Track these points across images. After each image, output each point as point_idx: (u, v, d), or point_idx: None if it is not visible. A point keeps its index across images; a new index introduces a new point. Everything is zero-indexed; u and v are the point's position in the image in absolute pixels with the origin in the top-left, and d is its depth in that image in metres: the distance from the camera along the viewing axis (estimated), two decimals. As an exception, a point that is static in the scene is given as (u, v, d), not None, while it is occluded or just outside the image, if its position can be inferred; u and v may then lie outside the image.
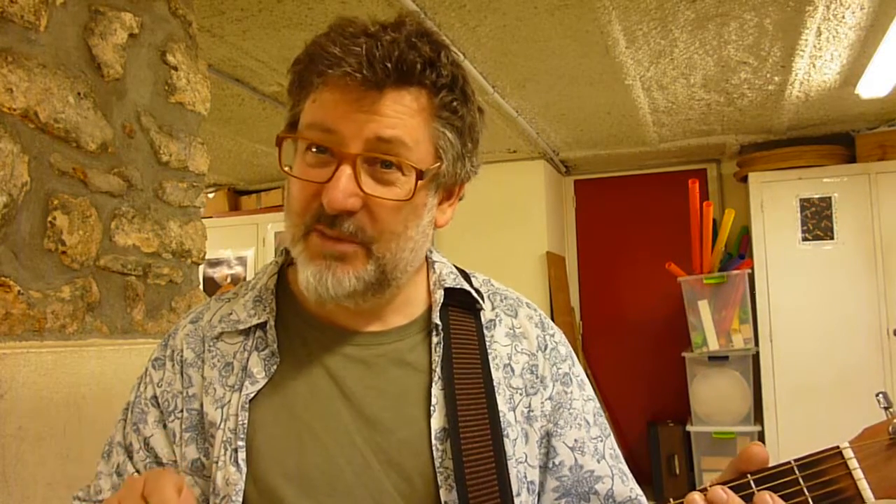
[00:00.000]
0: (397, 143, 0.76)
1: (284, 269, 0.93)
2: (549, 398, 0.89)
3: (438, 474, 0.80)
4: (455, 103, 0.80)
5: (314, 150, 0.78)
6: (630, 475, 0.91)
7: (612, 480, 0.88)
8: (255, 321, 0.86)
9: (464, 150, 0.83)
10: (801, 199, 4.14)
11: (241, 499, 0.79)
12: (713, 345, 4.10)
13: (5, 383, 1.37)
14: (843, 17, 2.61)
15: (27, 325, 1.47)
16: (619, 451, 0.93)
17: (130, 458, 0.87)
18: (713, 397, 4.17)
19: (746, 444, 4.08)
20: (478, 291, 0.92)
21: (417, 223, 0.81)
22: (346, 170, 0.75)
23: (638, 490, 0.90)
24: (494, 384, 0.85)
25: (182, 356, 0.88)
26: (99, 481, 0.88)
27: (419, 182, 0.78)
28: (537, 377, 0.89)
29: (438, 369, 0.84)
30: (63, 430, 1.48)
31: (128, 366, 1.65)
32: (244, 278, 4.83)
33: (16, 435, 1.38)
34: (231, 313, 0.88)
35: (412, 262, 0.83)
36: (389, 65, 0.74)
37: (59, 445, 1.47)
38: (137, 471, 0.86)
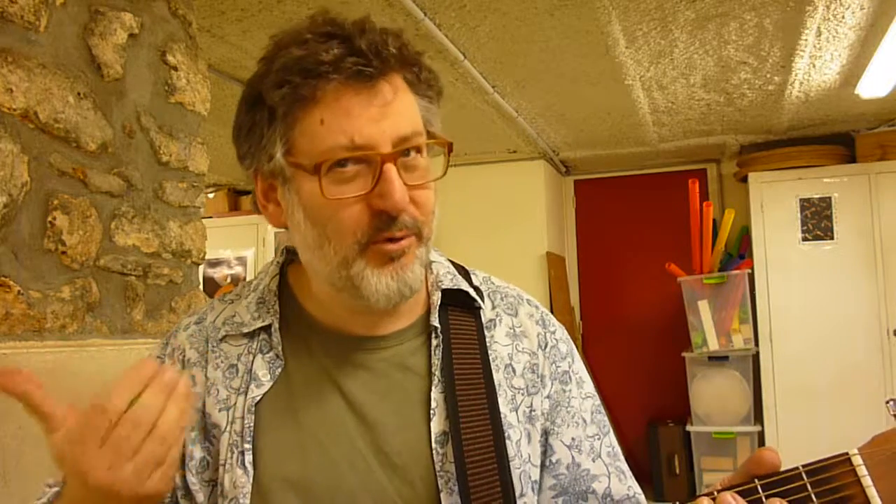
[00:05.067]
0: (416, 135, 0.78)
1: (285, 268, 0.92)
2: (548, 396, 0.88)
3: (439, 478, 0.80)
4: (423, 73, 0.82)
5: (340, 166, 0.76)
6: (629, 473, 0.90)
7: (609, 479, 0.87)
8: (259, 324, 0.86)
9: (437, 115, 0.85)
10: (800, 199, 4.14)
11: (248, 501, 0.79)
12: (713, 345, 4.10)
13: (5, 383, 1.37)
14: (843, 17, 2.61)
15: (27, 325, 1.47)
16: (618, 450, 0.91)
17: None
18: (713, 397, 4.16)
19: (746, 444, 4.01)
20: (477, 290, 0.91)
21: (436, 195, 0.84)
22: (391, 169, 0.75)
23: (637, 489, 0.89)
24: (495, 385, 0.85)
25: (185, 356, 0.88)
26: None
27: (445, 154, 0.80)
28: (538, 376, 0.88)
29: (438, 373, 0.84)
30: (63, 430, 1.48)
31: (127, 366, 1.65)
32: (244, 278, 4.83)
33: (16, 435, 1.38)
34: (234, 315, 0.88)
35: None
36: (393, 50, 0.76)
37: (59, 445, 1.47)
38: None
